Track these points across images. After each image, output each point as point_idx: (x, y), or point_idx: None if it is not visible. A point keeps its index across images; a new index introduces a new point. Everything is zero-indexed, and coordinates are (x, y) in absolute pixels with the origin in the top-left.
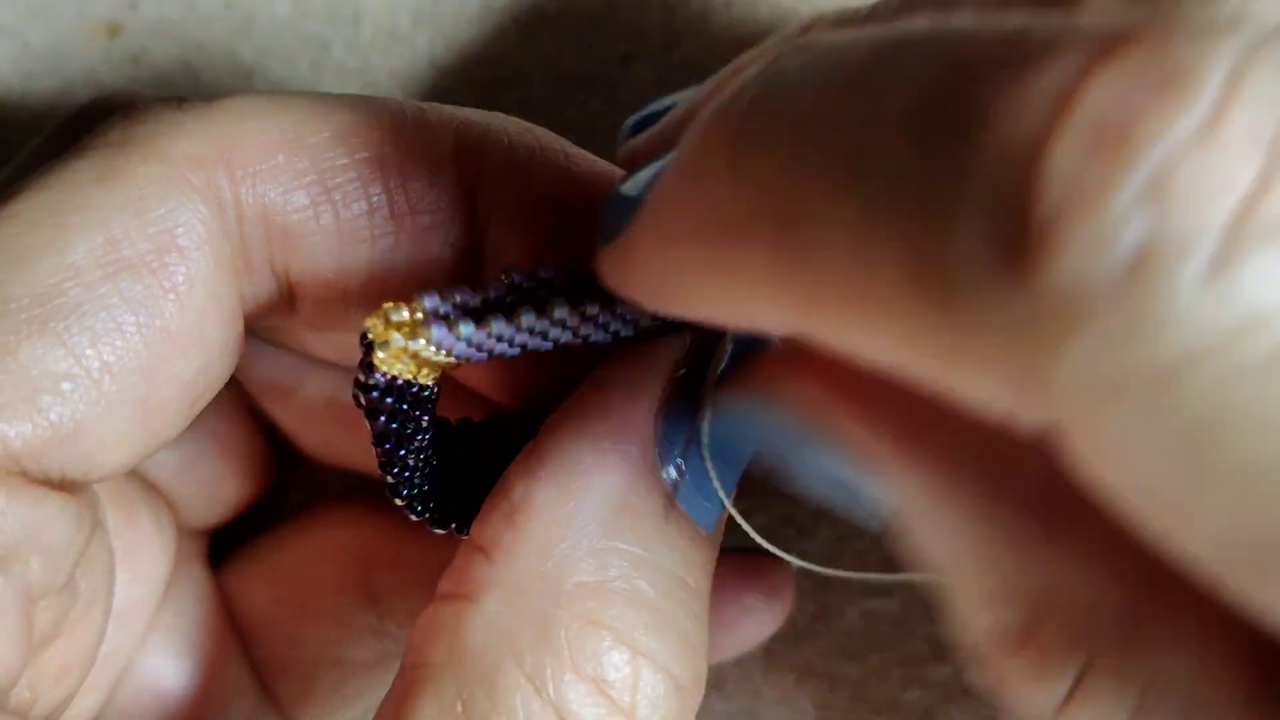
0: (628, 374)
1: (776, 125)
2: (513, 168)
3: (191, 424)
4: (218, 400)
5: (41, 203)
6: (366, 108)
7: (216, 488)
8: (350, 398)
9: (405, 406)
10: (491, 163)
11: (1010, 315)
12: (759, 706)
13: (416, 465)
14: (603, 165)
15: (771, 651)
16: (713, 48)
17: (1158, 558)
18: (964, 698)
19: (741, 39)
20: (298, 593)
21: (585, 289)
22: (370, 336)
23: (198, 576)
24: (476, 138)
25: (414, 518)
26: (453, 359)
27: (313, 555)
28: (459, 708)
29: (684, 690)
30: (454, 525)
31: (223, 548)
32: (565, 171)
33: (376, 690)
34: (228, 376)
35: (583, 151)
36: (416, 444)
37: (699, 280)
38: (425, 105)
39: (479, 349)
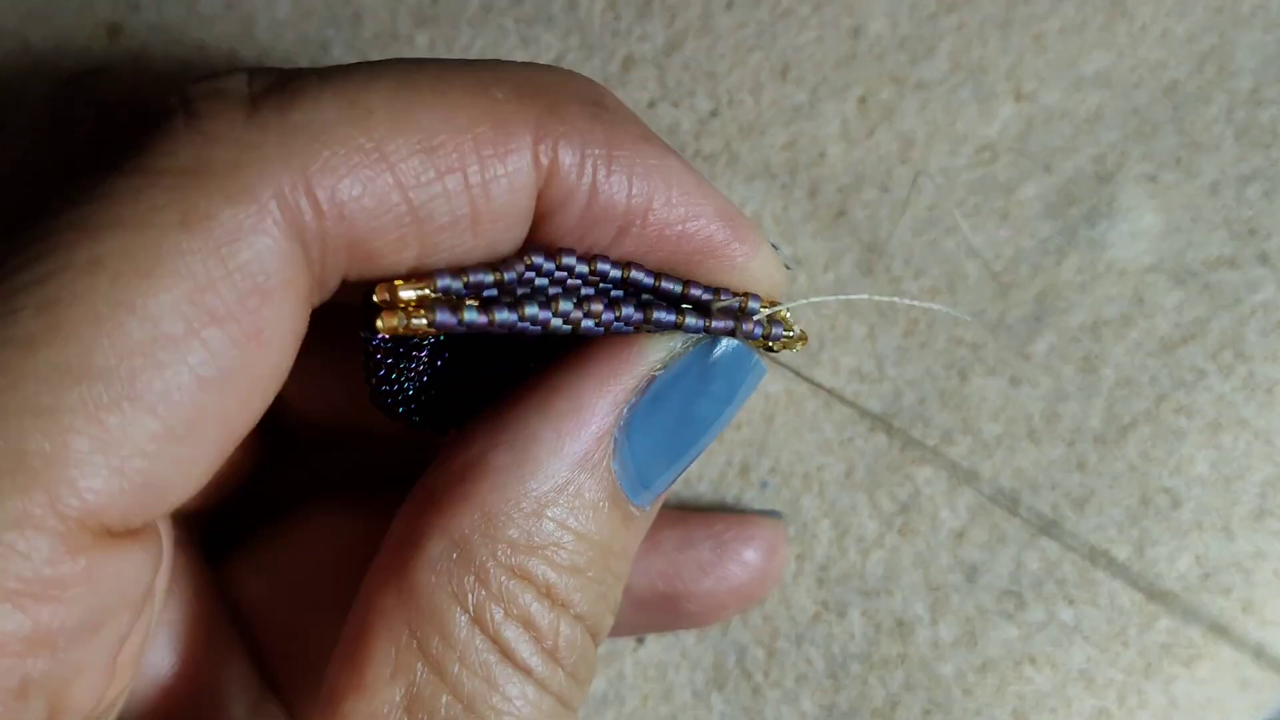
0: (608, 364)
1: None
2: (580, 175)
3: None
4: None
5: (122, 249)
6: (445, 104)
7: None
8: (346, 341)
9: (402, 349)
10: (562, 167)
11: None
12: (759, 706)
13: (406, 382)
14: (664, 168)
15: (772, 651)
16: (713, 49)
17: None
18: (965, 697)
19: (741, 39)
20: (299, 584)
21: (603, 279)
22: (377, 300)
23: (194, 567)
24: (552, 140)
25: (392, 419)
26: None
27: (314, 546)
28: (414, 645)
29: (595, 634)
30: (436, 429)
31: (225, 544)
32: (628, 180)
33: None
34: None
35: (649, 139)
36: (411, 369)
37: None
38: (497, 84)
39: (478, 330)
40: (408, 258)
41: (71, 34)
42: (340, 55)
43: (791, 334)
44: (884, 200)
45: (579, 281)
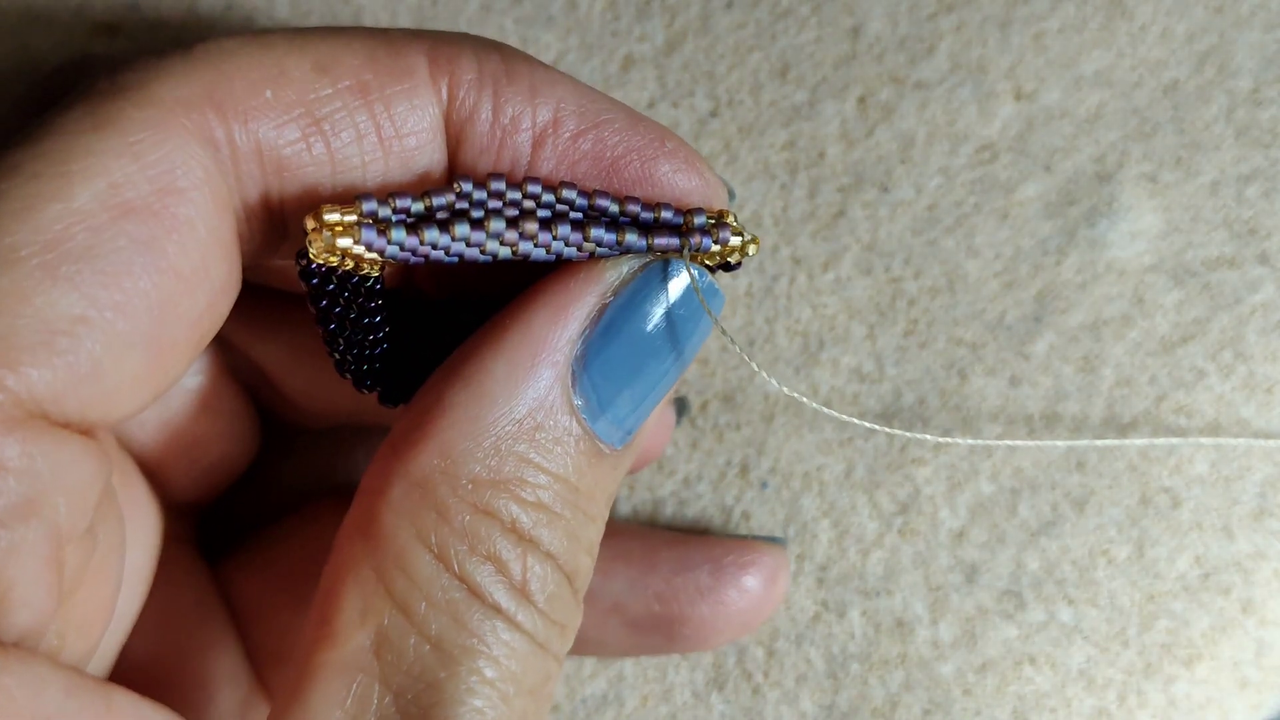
0: (558, 294)
1: None
2: (481, 89)
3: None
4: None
5: (39, 153)
6: (341, 38)
7: (198, 450)
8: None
9: (348, 294)
10: (462, 84)
11: None
12: (759, 706)
13: (365, 343)
14: (565, 81)
15: (772, 651)
16: (713, 49)
17: None
18: (964, 697)
19: (741, 39)
20: (294, 584)
21: (537, 202)
22: (306, 226)
23: (189, 563)
24: (447, 61)
25: (363, 392)
26: (387, 258)
27: (311, 549)
28: (380, 588)
29: (570, 576)
30: (403, 401)
31: (223, 544)
32: (531, 90)
33: None
34: (227, 313)
35: (546, 66)
36: (365, 324)
37: None
38: (394, 31)
39: (413, 253)
40: (320, 173)
41: (71, 34)
42: None
43: (743, 236)
44: (884, 200)
45: (515, 210)
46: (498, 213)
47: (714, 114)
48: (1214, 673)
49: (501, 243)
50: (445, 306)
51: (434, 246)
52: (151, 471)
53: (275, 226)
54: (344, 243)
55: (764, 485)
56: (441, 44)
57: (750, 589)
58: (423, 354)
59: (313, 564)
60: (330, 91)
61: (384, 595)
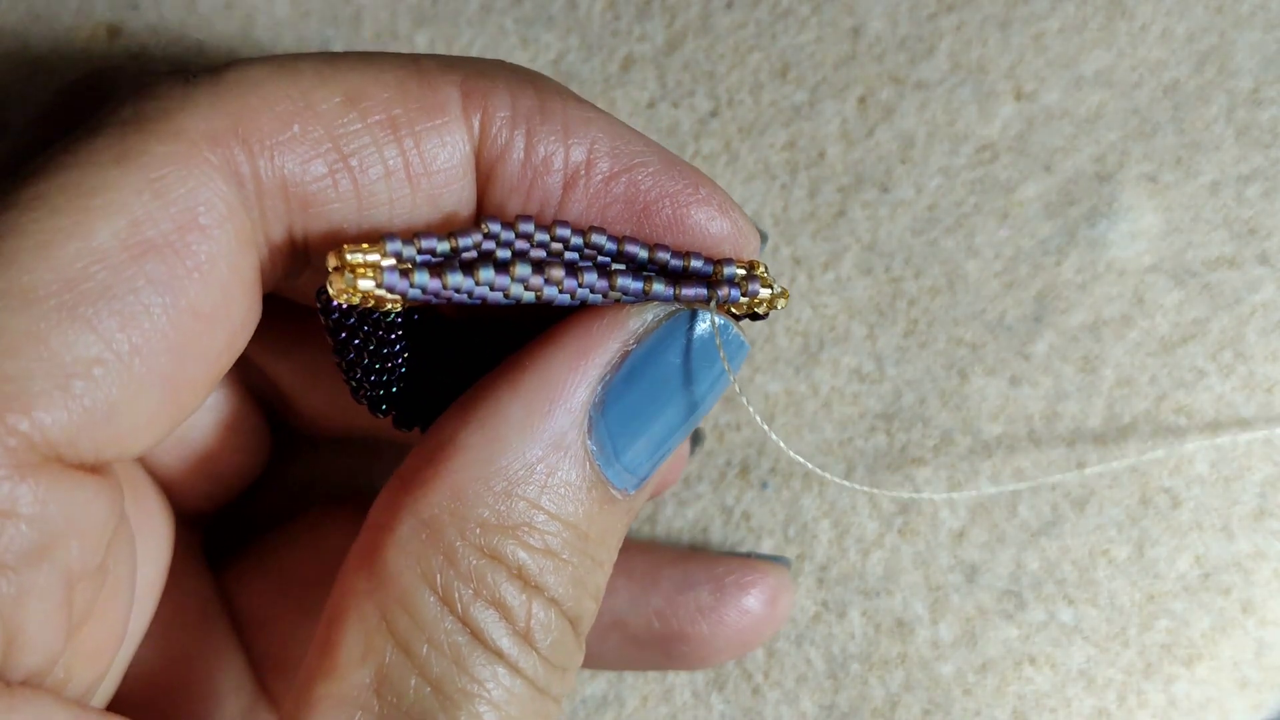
0: (579, 338)
1: None
2: (514, 126)
3: None
4: None
5: (61, 185)
6: (372, 67)
7: (211, 463)
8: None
9: (367, 327)
10: (495, 120)
11: None
12: (759, 706)
13: (382, 371)
14: (600, 119)
15: (772, 651)
16: (713, 49)
17: None
18: (965, 697)
19: (741, 39)
20: (298, 592)
21: (566, 246)
22: (329, 264)
23: (195, 572)
24: (480, 96)
25: (378, 416)
26: (408, 300)
27: (314, 556)
28: (383, 626)
29: (574, 621)
30: (418, 427)
31: (224, 551)
32: (565, 129)
33: None
34: (245, 345)
35: (580, 101)
36: (383, 354)
37: None
38: (426, 59)
39: (435, 296)
40: (346, 209)
41: (71, 34)
42: None
43: (772, 289)
44: (884, 200)
45: (543, 252)
46: (523, 256)
47: (714, 114)
48: (1214, 673)
49: (526, 288)
50: (462, 328)
51: (457, 290)
52: (164, 483)
53: (298, 258)
54: (366, 285)
55: (764, 485)
56: (475, 77)
57: (751, 609)
58: (438, 377)
59: (316, 572)
60: (359, 126)
61: (386, 634)
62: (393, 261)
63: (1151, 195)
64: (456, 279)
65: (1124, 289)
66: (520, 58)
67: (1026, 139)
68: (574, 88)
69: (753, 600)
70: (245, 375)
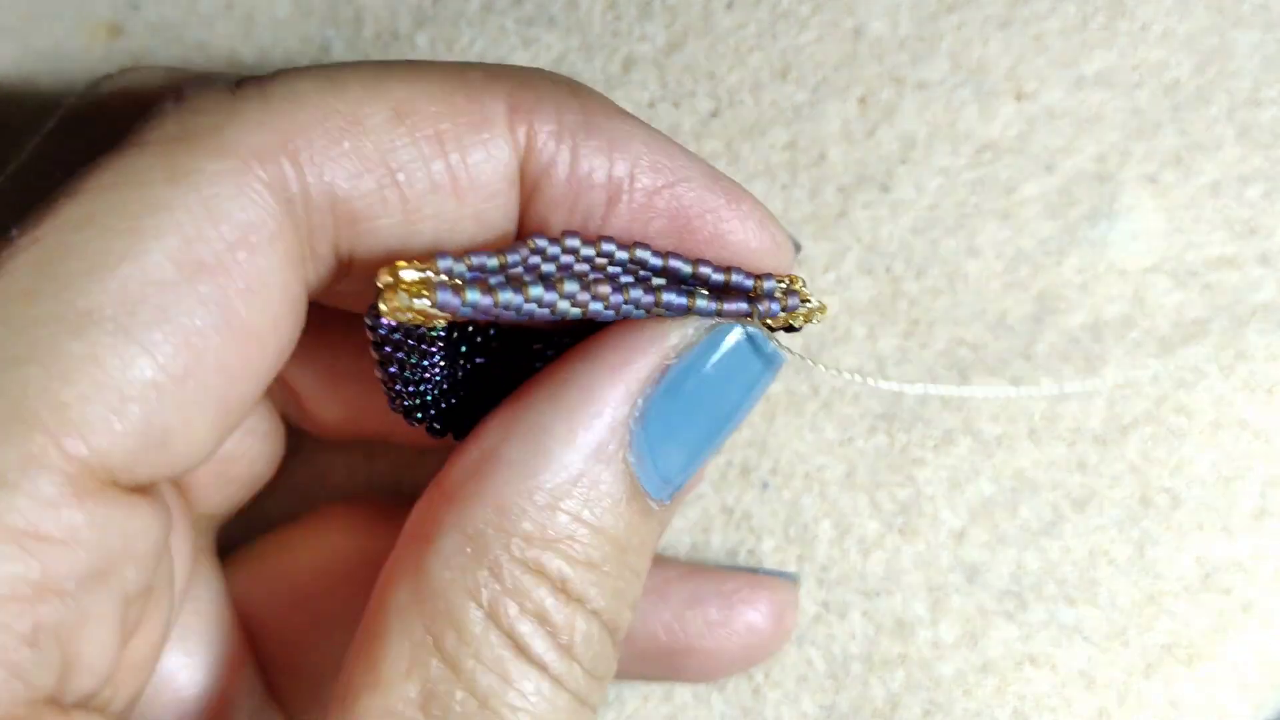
0: (621, 351)
1: None
2: (559, 141)
3: None
4: None
5: (112, 205)
6: (419, 79)
7: (231, 467)
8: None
9: (412, 342)
10: (540, 134)
11: None
12: (759, 707)
13: (421, 382)
14: (642, 133)
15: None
16: (714, 49)
17: None
18: (965, 697)
19: (742, 39)
20: (307, 596)
21: (610, 260)
22: (380, 283)
23: (210, 573)
24: (527, 110)
25: (413, 425)
26: (459, 317)
27: (322, 558)
28: (429, 641)
29: (613, 631)
30: (452, 434)
31: (224, 549)
32: (609, 144)
33: None
34: (290, 354)
35: (624, 115)
36: (423, 365)
37: None
38: (472, 70)
39: (484, 313)
40: (393, 224)
41: (71, 34)
42: (341, 55)
43: (810, 303)
44: (885, 200)
45: (587, 266)
46: (569, 272)
47: (715, 114)
48: (1214, 673)
49: (573, 304)
50: (495, 337)
51: (506, 307)
52: (184, 487)
53: (340, 270)
54: (421, 303)
55: (765, 485)
56: (521, 90)
57: (757, 626)
58: (472, 385)
59: (324, 575)
60: (407, 141)
61: (432, 648)
62: (445, 279)
63: (1152, 195)
64: (507, 296)
65: (1124, 289)
66: (521, 58)
67: (1027, 139)
68: None
69: (759, 616)
70: None
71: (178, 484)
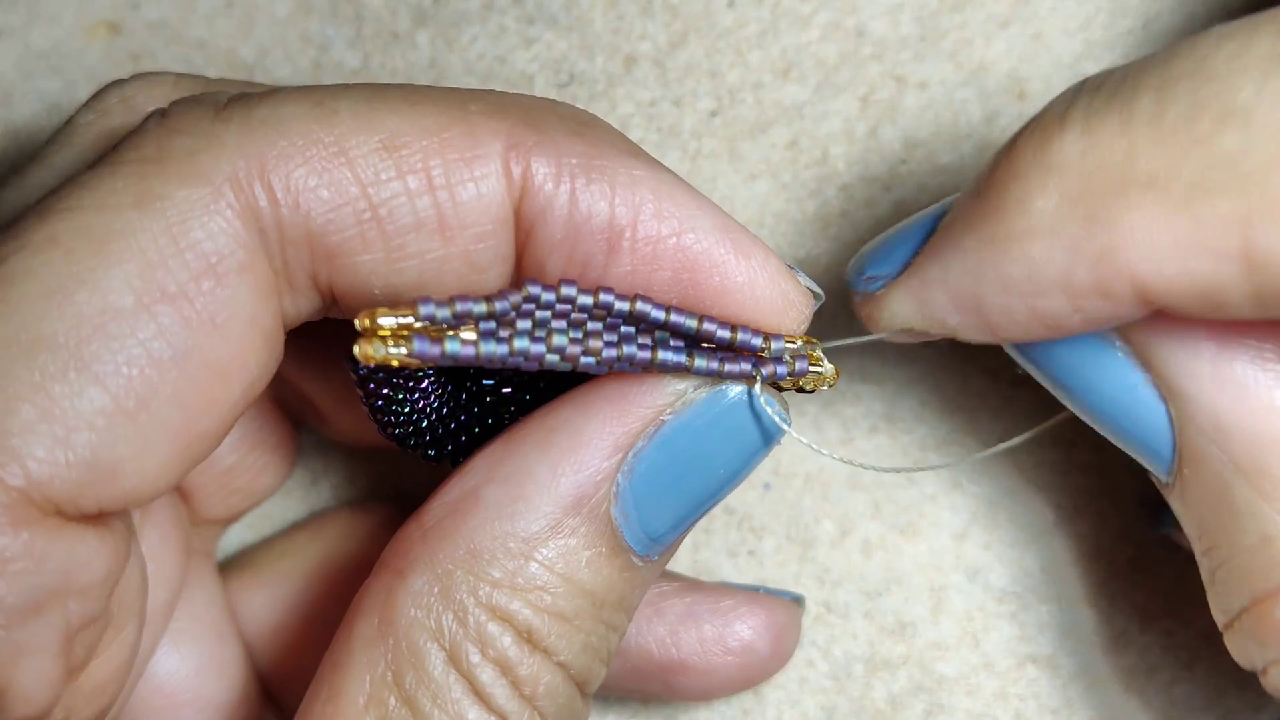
0: (614, 402)
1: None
2: (558, 183)
3: None
4: None
5: (77, 227)
6: (414, 109)
7: (237, 477)
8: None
9: (398, 380)
10: (538, 175)
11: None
12: (760, 707)
13: (411, 413)
14: (650, 177)
15: None
16: (714, 49)
17: None
18: (967, 698)
19: (743, 38)
20: (305, 602)
21: (609, 312)
22: (357, 326)
23: (208, 578)
24: (525, 151)
25: (406, 451)
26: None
27: (320, 565)
28: (389, 677)
29: (581, 685)
30: (448, 460)
31: (222, 547)
32: (611, 187)
33: None
34: (264, 388)
35: (632, 154)
36: (414, 400)
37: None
38: (475, 102)
39: (466, 364)
40: (373, 260)
41: (71, 33)
42: (341, 53)
43: (821, 369)
44: (886, 199)
45: (584, 316)
46: (561, 327)
47: (716, 113)
48: (1214, 674)
49: (563, 358)
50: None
51: (489, 360)
52: (186, 494)
53: (324, 302)
54: (397, 351)
55: (766, 486)
56: (522, 127)
57: (754, 647)
58: (468, 413)
59: (321, 583)
60: (393, 175)
61: (392, 685)
62: (423, 327)
63: None
64: (490, 348)
65: None
66: (522, 57)
67: None
68: (575, 87)
69: (756, 636)
70: (278, 391)
71: (180, 492)
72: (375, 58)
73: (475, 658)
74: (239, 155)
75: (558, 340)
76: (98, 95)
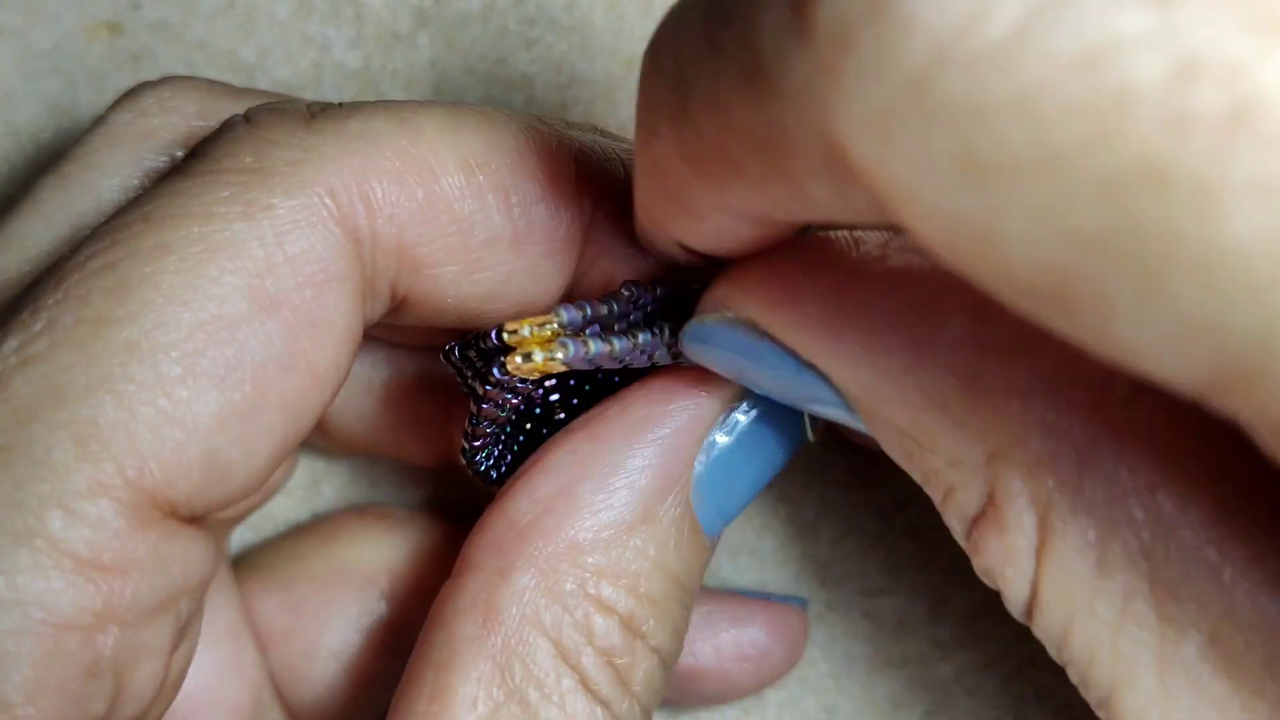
0: (690, 396)
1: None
2: (627, 200)
3: None
4: None
5: (187, 236)
6: (493, 132)
7: None
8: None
9: (509, 395)
10: (608, 194)
11: (802, 74)
12: (761, 707)
13: (499, 448)
14: None
15: None
16: None
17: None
18: (967, 698)
19: None
20: (317, 605)
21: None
22: (508, 340)
23: (225, 578)
24: (596, 168)
25: (472, 473)
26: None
27: (332, 568)
28: (497, 674)
29: (667, 665)
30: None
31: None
32: None
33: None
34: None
35: None
36: (502, 416)
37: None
38: (545, 125)
39: (594, 364)
40: (454, 271)
41: (71, 34)
42: (341, 55)
43: None
44: None
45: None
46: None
47: None
48: None
49: (669, 350)
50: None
51: (620, 359)
52: None
53: (390, 308)
54: (552, 358)
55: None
56: (593, 149)
57: (769, 654)
58: (526, 434)
59: (335, 585)
60: (475, 194)
61: (501, 682)
62: (568, 331)
63: None
64: (622, 346)
65: None
66: (523, 58)
67: None
68: (577, 88)
69: (771, 643)
70: None
71: None
72: (376, 59)
73: (582, 648)
74: (338, 167)
75: (669, 336)
76: (130, 95)
